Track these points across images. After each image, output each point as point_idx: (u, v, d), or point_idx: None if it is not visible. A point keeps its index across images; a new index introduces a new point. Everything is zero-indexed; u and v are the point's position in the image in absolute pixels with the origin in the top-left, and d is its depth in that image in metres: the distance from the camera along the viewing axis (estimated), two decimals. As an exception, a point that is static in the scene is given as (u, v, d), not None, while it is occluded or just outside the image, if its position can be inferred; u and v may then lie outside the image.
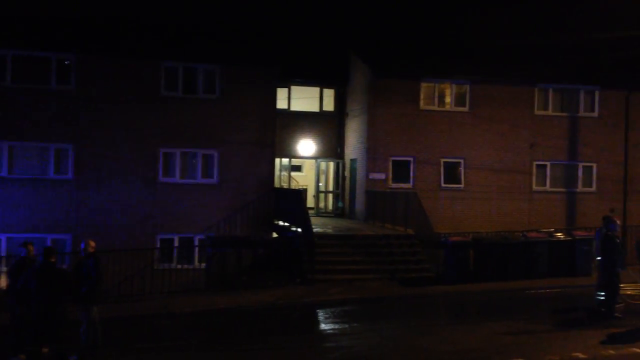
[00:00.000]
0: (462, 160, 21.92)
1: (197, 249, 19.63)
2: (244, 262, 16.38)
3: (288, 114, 23.75)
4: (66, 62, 19.85)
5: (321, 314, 13.09)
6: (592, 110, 22.50)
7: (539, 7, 27.63)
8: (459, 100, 22.02)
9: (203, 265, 17.78)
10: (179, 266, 18.61)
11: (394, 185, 21.29)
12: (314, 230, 16.99)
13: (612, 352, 9.07)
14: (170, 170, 20.38)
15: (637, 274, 10.96)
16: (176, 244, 20.00)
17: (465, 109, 21.93)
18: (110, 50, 20.10)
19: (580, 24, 24.68)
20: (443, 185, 21.82)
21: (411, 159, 21.73)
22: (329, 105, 24.76)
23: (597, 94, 22.42)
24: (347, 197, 24.20)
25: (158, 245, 19.74)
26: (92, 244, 10.39)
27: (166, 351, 10.59)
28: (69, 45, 19.81)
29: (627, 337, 9.96)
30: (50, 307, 9.28)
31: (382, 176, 21.58)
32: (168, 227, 19.89)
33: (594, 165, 22.43)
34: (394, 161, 21.72)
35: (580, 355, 8.83)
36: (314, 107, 24.51)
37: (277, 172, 23.31)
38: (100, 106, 19.73)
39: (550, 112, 22.30)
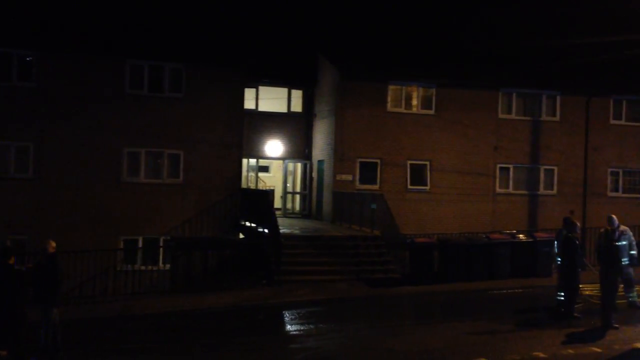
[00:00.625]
0: (428, 163, 22.18)
1: (161, 250, 19.38)
2: (209, 263, 16.23)
3: (256, 114, 23.65)
4: (28, 59, 19.36)
5: (287, 315, 13.07)
6: (554, 114, 23.05)
7: (503, 13, 28.17)
8: (426, 103, 22.29)
9: (168, 266, 17.54)
10: (143, 267, 18.31)
11: (361, 187, 21.42)
12: (281, 231, 16.95)
13: (571, 351, 9.28)
14: (134, 169, 20.07)
15: (597, 274, 11.25)
16: (140, 244, 19.71)
17: (432, 111, 22.21)
18: (73, 47, 19.70)
19: (542, 30, 25.25)
20: (409, 187, 22.05)
21: (378, 160, 21.89)
22: (297, 106, 24.76)
23: (558, 98, 22.98)
24: (314, 198, 24.23)
25: (121, 246, 19.42)
26: (53, 244, 10.15)
27: (128, 354, 10.42)
28: (31, 41, 19.34)
29: (586, 336, 10.21)
30: (9, 310, 9.02)
31: (350, 177, 21.69)
32: (132, 227, 19.58)
33: (555, 169, 22.98)
34: (361, 163, 21.86)
35: (541, 355, 9.02)
36: (282, 107, 24.47)
37: (244, 173, 23.19)
38: (63, 104, 19.34)
39: (513, 116, 22.77)
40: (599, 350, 9.27)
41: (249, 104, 22.98)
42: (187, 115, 20.38)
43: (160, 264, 18.92)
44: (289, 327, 12.49)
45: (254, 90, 23.60)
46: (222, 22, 23.13)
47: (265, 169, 26.62)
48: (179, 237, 18.89)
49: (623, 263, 11.60)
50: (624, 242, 11.78)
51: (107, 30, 20.85)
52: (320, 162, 23.66)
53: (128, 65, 19.99)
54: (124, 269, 17.59)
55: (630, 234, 12.09)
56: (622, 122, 23.33)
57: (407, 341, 10.27)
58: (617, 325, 10.54)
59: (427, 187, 22.17)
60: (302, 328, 12.01)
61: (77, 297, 15.13)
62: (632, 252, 12.05)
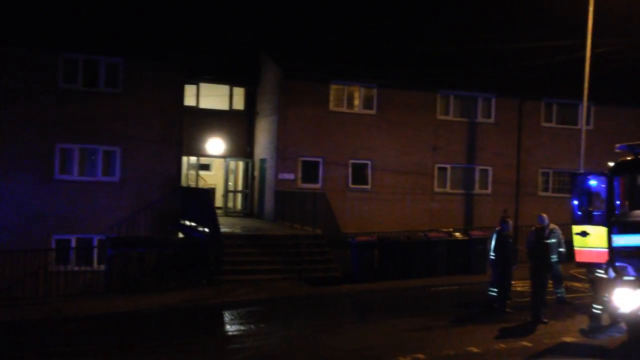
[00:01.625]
0: (369, 162, 22.45)
1: (96, 250, 18.77)
2: (147, 263, 15.90)
3: (197, 111, 23.27)
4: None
5: (227, 316, 12.93)
6: (489, 116, 23.82)
7: (442, 17, 28.90)
8: (367, 103, 22.56)
9: (103, 267, 17.03)
10: (77, 268, 17.72)
11: (303, 186, 21.44)
12: (222, 230, 16.76)
13: (503, 346, 9.61)
14: (67, 166, 19.36)
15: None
16: (73, 244, 19.01)
17: (373, 111, 22.50)
18: (1, 39, 18.76)
19: (479, 35, 26.04)
20: (351, 186, 22.25)
21: (320, 159, 21.98)
22: (239, 104, 24.52)
23: (493, 101, 23.76)
24: (256, 197, 24.09)
25: (53, 246, 18.67)
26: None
27: (58, 358, 10.02)
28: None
29: (517, 331, 10.60)
30: None
31: (292, 176, 21.68)
32: (65, 226, 18.88)
33: (490, 169, 23.74)
34: (303, 162, 21.89)
35: (474, 350, 9.30)
36: (223, 105, 24.18)
37: (184, 171, 22.78)
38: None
39: (451, 117, 23.37)
40: (529, 344, 9.63)
41: (189, 100, 22.59)
42: (124, 111, 19.81)
43: (95, 265, 18.34)
44: (228, 327, 12.36)
45: (194, 87, 23.19)
46: (162, 18, 22.65)
47: (206, 167, 26.24)
48: (115, 236, 18.35)
49: (552, 260, 12.11)
50: (554, 240, 12.29)
51: (40, 23, 19.99)
52: (262, 160, 23.53)
53: (62, 58, 19.24)
54: (56, 270, 16.93)
55: (560, 232, 12.62)
56: (553, 124, 24.36)
57: (347, 339, 10.36)
58: (546, 320, 11.01)
59: (369, 187, 22.44)
60: (242, 328, 11.91)
61: (7, 299, 14.45)
62: (561, 249, 12.58)
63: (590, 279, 11.21)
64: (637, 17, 26.87)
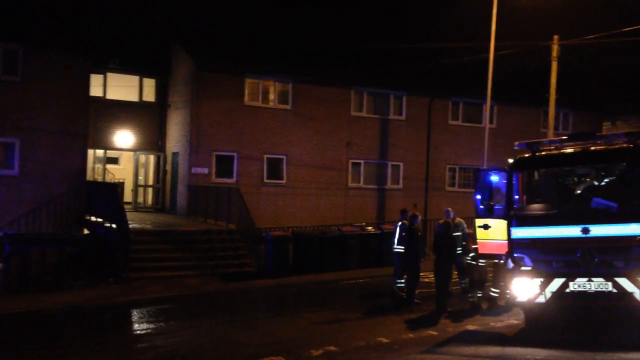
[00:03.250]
0: (284, 157, 22.47)
1: (-7, 248, 17.53)
2: (49, 261, 15.07)
3: (104, 102, 22.28)
4: None
5: (136, 314, 12.51)
6: (401, 113, 24.52)
7: (355, 15, 29.37)
8: (282, 98, 22.56)
9: (1, 265, 15.92)
10: (-29, 267, 16.45)
11: (218, 180, 21.14)
12: (131, 226, 16.19)
13: (411, 335, 9.94)
14: (-41, 159, 17.97)
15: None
16: (-33, 242, 17.66)
17: (288, 106, 22.52)
18: None
19: (390, 34, 26.69)
20: (266, 180, 22.18)
21: (235, 154, 21.74)
22: (149, 96, 23.73)
23: (404, 99, 24.48)
24: (168, 191, 23.45)
25: (-57, 245, 17.26)
26: None
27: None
28: None
29: (424, 321, 11.00)
30: None
31: (205, 170, 21.30)
32: (-44, 223, 17.51)
33: (401, 164, 24.48)
34: (217, 156, 21.56)
35: (384, 340, 9.56)
36: (133, 96, 23.30)
37: (90, 165, 21.77)
38: None
39: (364, 114, 23.85)
40: (435, 333, 10.03)
41: (96, 91, 21.59)
42: (24, 101, 18.64)
43: (-8, 264, 17.11)
44: (137, 326, 11.97)
45: (101, 76, 22.17)
46: (66, 4, 21.41)
47: (114, 160, 25.21)
48: (13, 233, 17.20)
49: (457, 252, 12.65)
50: (459, 233, 12.83)
51: None
52: (174, 154, 22.93)
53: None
54: (-54, 270, 15.65)
55: (465, 225, 13.19)
56: (459, 122, 25.47)
57: (259, 334, 10.33)
58: (450, 309, 11.52)
59: (284, 181, 22.47)
60: (151, 326, 11.56)
61: None
62: (465, 242, 13.16)
63: (493, 268, 11.84)
64: (536, 21, 28.61)
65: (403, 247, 12.59)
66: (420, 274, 12.54)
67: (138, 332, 11.40)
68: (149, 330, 11.25)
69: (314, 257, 16.44)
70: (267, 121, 22.19)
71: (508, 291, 9.95)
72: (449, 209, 12.93)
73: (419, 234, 12.68)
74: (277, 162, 22.44)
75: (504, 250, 9.57)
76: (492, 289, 11.80)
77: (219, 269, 15.94)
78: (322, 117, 22.92)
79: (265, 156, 22.21)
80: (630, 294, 8.32)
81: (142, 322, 12.05)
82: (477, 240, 10.14)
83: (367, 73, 23.76)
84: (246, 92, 21.94)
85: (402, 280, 12.62)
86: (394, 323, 10.76)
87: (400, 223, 12.91)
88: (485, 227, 9.81)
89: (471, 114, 25.60)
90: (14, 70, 18.63)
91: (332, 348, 9.11)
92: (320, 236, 16.94)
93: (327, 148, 23.09)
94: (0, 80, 18.45)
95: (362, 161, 23.81)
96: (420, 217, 13.12)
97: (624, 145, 8.97)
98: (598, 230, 8.56)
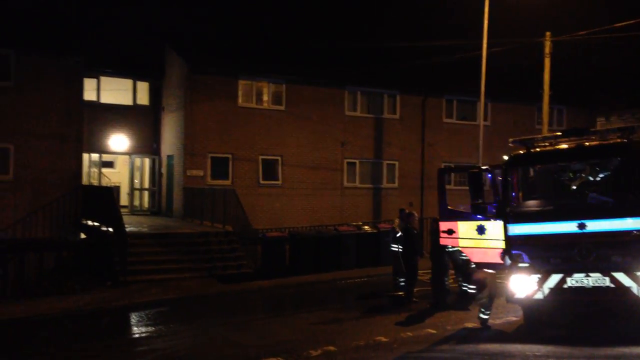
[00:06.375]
0: (280, 158, 22.47)
1: (-12, 254, 17.46)
2: (46, 266, 15.01)
3: (98, 106, 22.23)
4: None
5: (135, 317, 12.49)
6: (394, 112, 24.55)
7: (349, 15, 29.40)
8: (276, 99, 22.55)
9: (-3, 271, 15.89)
10: (-33, 274, 16.39)
11: (213, 182, 21.12)
12: (128, 229, 16.16)
13: (410, 334, 9.94)
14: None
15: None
16: (-37, 249, 17.59)
17: (282, 107, 22.52)
18: None
19: (382, 33, 26.75)
20: (262, 182, 22.17)
21: (230, 155, 21.72)
22: (143, 99, 23.69)
23: (398, 97, 24.52)
24: (164, 194, 23.41)
25: (-61, 252, 17.18)
26: None
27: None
28: None
29: (423, 319, 10.97)
30: None
31: (200, 173, 21.28)
32: (-49, 230, 17.44)
33: (397, 163, 24.51)
34: (212, 158, 21.54)
35: (383, 339, 9.56)
36: (127, 100, 23.26)
37: (85, 169, 21.71)
38: None
39: (358, 113, 23.87)
40: (434, 331, 10.04)
41: (89, 95, 21.55)
42: (17, 106, 18.60)
43: (-12, 270, 17.04)
44: (135, 329, 11.94)
45: (95, 80, 22.15)
46: (58, 8, 21.36)
47: (109, 164, 25.14)
48: (10, 238, 17.18)
49: (453, 249, 12.64)
50: (455, 231, 12.82)
51: None
52: (169, 157, 22.89)
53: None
54: (-58, 277, 15.60)
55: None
56: (453, 120, 25.52)
57: (258, 335, 10.32)
58: (449, 307, 11.52)
59: (279, 182, 22.46)
60: (150, 329, 11.54)
61: None
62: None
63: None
64: (529, 18, 28.70)
65: (400, 246, 12.60)
66: (418, 272, 12.55)
67: (137, 335, 11.38)
68: (148, 334, 11.23)
69: (311, 257, 16.43)
70: (262, 122, 22.18)
71: (505, 287, 9.95)
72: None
73: (416, 232, 12.69)
74: (272, 163, 22.43)
75: (498, 258, 9.36)
76: (465, 284, 11.79)
77: (216, 270, 15.92)
78: (317, 117, 22.93)
79: (261, 157, 22.20)
80: (628, 289, 8.35)
81: (140, 325, 12.03)
82: (467, 248, 9.89)
83: (360, 72, 23.78)
84: (240, 93, 21.93)
85: (402, 279, 12.63)
86: (393, 322, 10.77)
87: (397, 222, 12.93)
88: (450, 232, 9.77)
89: (465, 111, 25.65)
90: (6, 75, 18.57)
91: (331, 348, 9.11)
92: (316, 236, 16.94)
93: (322, 148, 23.10)
94: (-7, 85, 18.39)
95: (357, 160, 23.83)
96: (416, 215, 13.14)
97: (618, 140, 9.00)
98: (594, 225, 8.58)
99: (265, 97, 22.57)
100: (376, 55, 23.96)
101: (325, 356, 8.79)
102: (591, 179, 9.29)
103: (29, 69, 18.79)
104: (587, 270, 8.62)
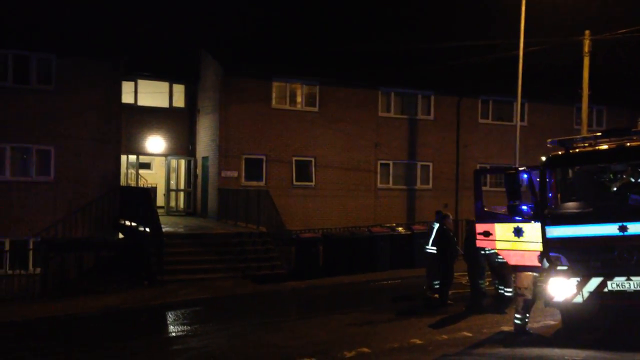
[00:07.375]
0: (312, 159, 22.53)
1: (31, 253, 17.99)
2: (85, 265, 15.40)
3: (135, 109, 22.69)
4: None
5: (171, 316, 12.69)
6: (429, 113, 24.35)
7: (383, 15, 29.29)
8: (309, 100, 22.62)
9: (39, 270, 16.36)
10: (11, 272, 16.93)
11: (247, 183, 21.31)
12: (165, 229, 16.44)
13: (445, 336, 9.84)
14: (-2, 167, 18.48)
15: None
16: (7, 247, 18.16)
17: (315, 109, 22.58)
18: None
19: (417, 33, 26.56)
20: (295, 183, 22.26)
21: (263, 157, 21.88)
22: (179, 102, 24.07)
23: (432, 98, 24.31)
24: (199, 195, 23.73)
25: (-16, 250, 17.81)
26: None
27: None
28: None
29: (458, 322, 10.85)
30: None
31: (235, 174, 21.50)
32: (-3, 229, 18.02)
33: (431, 164, 24.30)
34: (246, 159, 21.73)
35: (418, 342, 9.49)
36: (163, 102, 23.68)
37: (123, 170, 22.17)
38: None
39: (392, 114, 23.75)
40: (470, 334, 9.91)
41: (127, 98, 22.00)
42: (58, 109, 19.10)
43: (30, 268, 17.60)
44: (172, 328, 12.14)
45: (132, 83, 22.61)
46: (98, 13, 21.91)
47: (146, 165, 25.64)
48: (51, 238, 17.67)
49: (489, 252, 12.47)
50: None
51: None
52: (204, 158, 23.20)
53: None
54: (-12, 275, 16.16)
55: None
56: (489, 120, 25.16)
57: (291, 336, 10.37)
58: (485, 310, 11.37)
59: (312, 183, 22.52)
60: (186, 328, 11.72)
61: None
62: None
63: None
64: (566, 17, 28.10)
65: (435, 248, 12.50)
66: (454, 274, 12.42)
67: (173, 334, 11.56)
68: (183, 333, 11.41)
69: (345, 259, 16.43)
70: (295, 124, 22.28)
71: (544, 290, 9.74)
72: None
73: (451, 234, 12.57)
74: (305, 165, 22.51)
75: (536, 261, 9.08)
76: (501, 287, 11.67)
77: (250, 271, 16.06)
78: (350, 118, 22.92)
79: (294, 159, 22.30)
80: (671, 293, 8.10)
81: (176, 324, 12.23)
82: (503, 250, 9.67)
83: (394, 73, 23.67)
84: (273, 95, 22.07)
85: (437, 282, 12.52)
86: (427, 324, 10.68)
87: (433, 224, 12.83)
88: (486, 234, 9.58)
89: (501, 111, 25.27)
90: (48, 78, 19.11)
91: (365, 350, 9.09)
92: (350, 237, 16.93)
93: (355, 149, 23.06)
94: (35, 89, 18.94)
95: (390, 162, 23.72)
96: (451, 217, 13.01)
97: (661, 140, 8.75)
98: (636, 228, 8.35)
99: (298, 99, 22.68)
100: (410, 56, 23.81)
101: (359, 357, 8.77)
102: (632, 180, 9.04)
103: (70, 72, 19.29)
104: (628, 273, 8.39)
